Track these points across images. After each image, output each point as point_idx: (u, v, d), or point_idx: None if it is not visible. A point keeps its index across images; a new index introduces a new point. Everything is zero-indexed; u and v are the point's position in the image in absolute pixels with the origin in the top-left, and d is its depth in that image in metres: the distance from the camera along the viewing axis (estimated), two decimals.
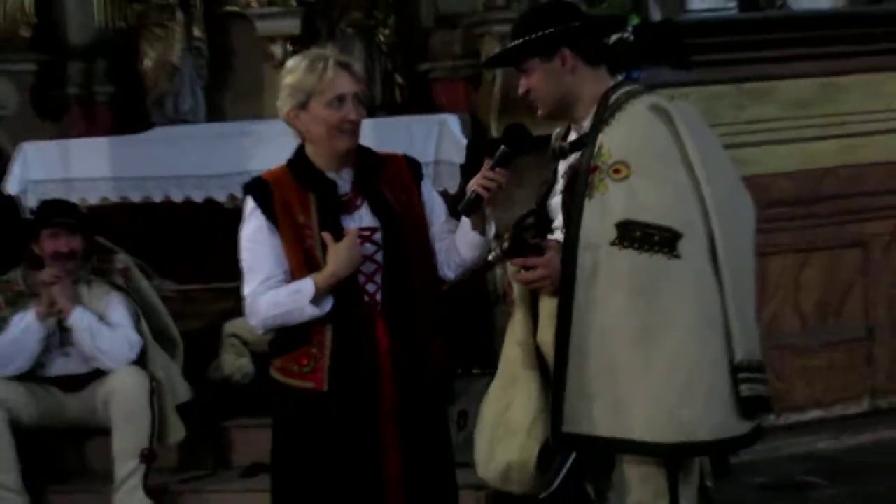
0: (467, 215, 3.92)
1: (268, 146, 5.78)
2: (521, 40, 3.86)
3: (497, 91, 6.44)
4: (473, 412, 4.09)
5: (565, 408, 3.68)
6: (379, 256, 3.95)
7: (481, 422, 3.96)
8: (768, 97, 6.72)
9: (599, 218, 3.65)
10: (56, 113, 7.47)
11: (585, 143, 3.77)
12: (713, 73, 6.60)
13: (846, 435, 6.76)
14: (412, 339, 3.96)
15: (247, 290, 3.95)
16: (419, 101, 7.21)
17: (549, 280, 3.73)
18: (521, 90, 3.91)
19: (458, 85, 7.10)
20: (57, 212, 6.13)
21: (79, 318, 5.88)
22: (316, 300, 3.84)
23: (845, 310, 6.95)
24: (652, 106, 3.75)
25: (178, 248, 6.79)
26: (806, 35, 6.71)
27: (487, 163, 3.88)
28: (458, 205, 3.93)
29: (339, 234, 3.87)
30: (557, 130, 3.99)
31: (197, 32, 7.43)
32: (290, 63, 4.05)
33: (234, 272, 4.04)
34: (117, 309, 6.04)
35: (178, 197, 6.74)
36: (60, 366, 6.00)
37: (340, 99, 3.91)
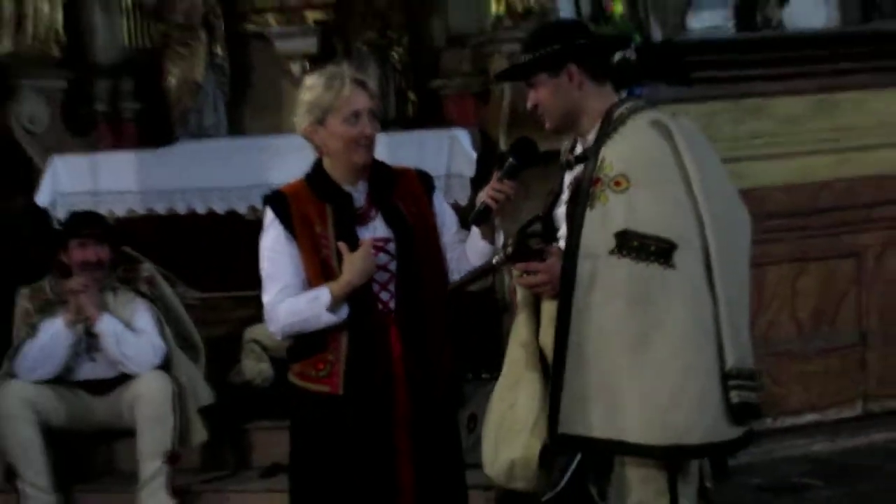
0: (477, 225, 3.93)
1: (286, 160, 5.78)
2: (531, 55, 3.86)
3: (505, 106, 6.43)
4: (483, 415, 4.08)
5: (562, 409, 3.68)
6: (392, 266, 3.96)
7: (487, 421, 3.95)
8: (765, 113, 6.73)
9: (600, 228, 3.65)
10: (85, 128, 7.49)
11: (589, 156, 3.77)
12: (712, 89, 6.60)
13: (841, 438, 6.76)
14: (424, 345, 3.97)
15: (266, 297, 3.96)
16: (431, 116, 7.21)
17: (549, 284, 3.73)
18: (529, 104, 3.91)
19: (468, 101, 7.10)
20: (85, 223, 6.14)
21: (105, 325, 5.88)
22: (332, 308, 3.85)
23: (839, 317, 6.95)
24: (652, 121, 3.75)
25: (201, 258, 6.79)
26: (800, 54, 6.72)
27: (496, 175, 3.89)
28: (467, 217, 3.94)
29: (354, 245, 3.88)
30: (566, 143, 3.98)
31: (219, 51, 7.44)
32: (307, 81, 4.05)
33: (254, 281, 4.04)
34: (142, 316, 6.04)
35: (201, 209, 6.74)
36: (88, 370, 6.00)
37: (356, 115, 3.91)
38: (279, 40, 7.44)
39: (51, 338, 5.90)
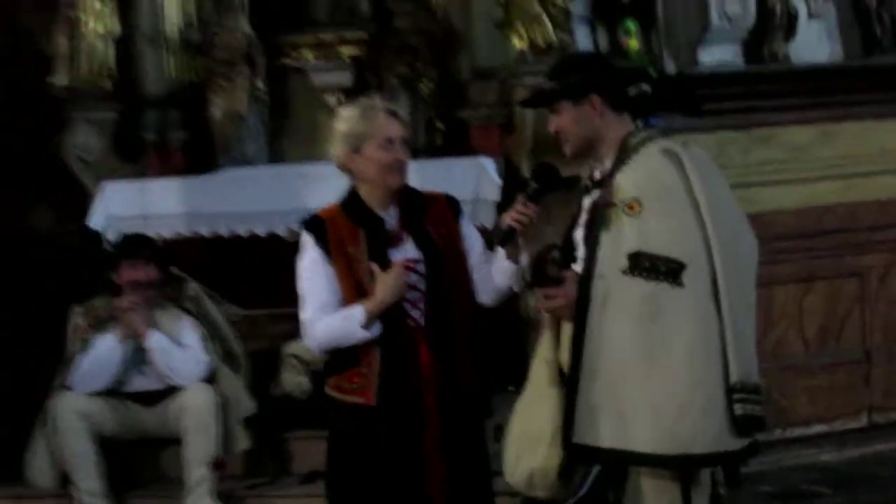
0: (502, 246, 3.94)
1: (322, 186, 5.78)
2: (556, 84, 3.87)
3: (528, 135, 6.44)
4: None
5: (576, 420, 3.69)
6: (422, 285, 3.96)
7: (509, 432, 3.97)
8: (773, 142, 6.73)
9: (614, 249, 3.66)
10: (134, 156, 7.51)
11: (605, 181, 3.78)
12: (723, 120, 6.61)
13: (847, 448, 6.74)
14: (451, 359, 3.97)
15: (304, 315, 3.97)
16: (458, 144, 7.21)
17: (567, 308, 3.75)
18: (551, 128, 3.92)
19: (493, 130, 7.10)
20: (135, 245, 6.18)
21: (154, 341, 5.92)
22: (366, 324, 3.86)
23: (844, 335, 6.93)
24: (664, 150, 3.77)
25: (243, 277, 6.81)
26: (806, 86, 6.74)
27: (520, 199, 3.90)
28: (493, 238, 3.95)
29: (386, 266, 3.90)
30: (587, 170, 3.99)
31: (260, 84, 7.46)
32: (342, 113, 4.08)
33: (292, 298, 4.06)
34: (188, 332, 6.07)
35: (242, 231, 6.76)
36: (138, 383, 6.03)
37: (390, 141, 3.94)
38: (316, 74, 7.46)
39: (103, 352, 5.93)
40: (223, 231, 6.78)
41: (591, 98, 3.82)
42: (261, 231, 6.71)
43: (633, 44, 6.74)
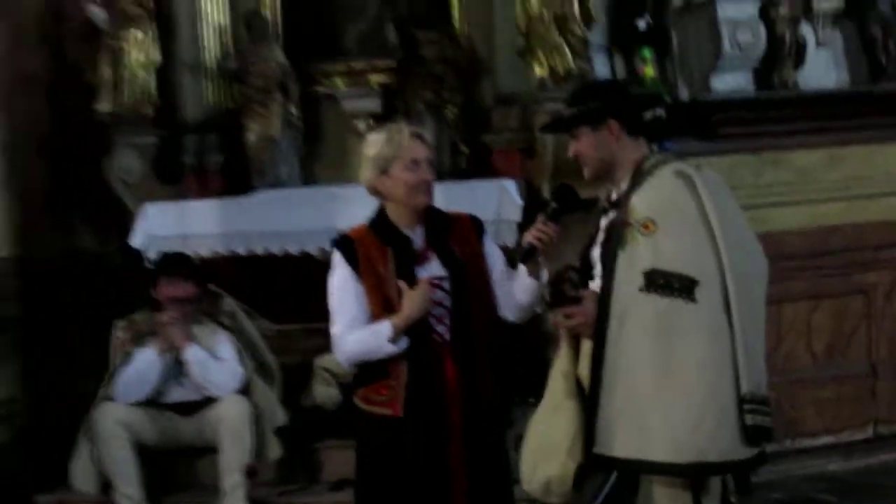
0: (524, 263, 3.94)
1: (352, 207, 5.75)
2: (575, 110, 3.87)
3: (549, 159, 6.44)
4: None
5: (597, 432, 3.69)
6: (447, 302, 3.97)
7: (527, 442, 3.97)
8: (782, 165, 6.72)
9: (630, 267, 3.66)
10: (174, 179, 7.53)
11: (622, 202, 3.78)
12: (734, 144, 6.61)
13: (853, 458, 6.72)
14: (475, 373, 3.97)
15: (334, 329, 3.98)
16: (481, 167, 7.20)
17: (586, 325, 3.76)
18: (571, 153, 3.93)
19: (515, 154, 7.09)
20: (174, 263, 6.19)
21: (192, 354, 5.92)
22: (393, 339, 3.87)
23: (851, 349, 6.92)
24: (677, 172, 3.77)
25: (277, 294, 6.81)
26: (814, 112, 6.73)
27: (540, 218, 3.90)
28: (514, 256, 3.96)
29: (413, 283, 3.91)
30: (604, 192, 3.99)
31: (293, 110, 7.47)
32: (370, 138, 4.10)
33: (324, 314, 4.06)
34: (224, 345, 6.08)
35: (276, 250, 6.76)
36: (176, 394, 6.03)
37: (416, 162, 3.95)
38: (347, 101, 7.47)
39: (144, 365, 5.94)
40: (258, 250, 6.78)
41: (608, 123, 3.83)
42: (294, 250, 6.71)
43: (649, 71, 6.75)
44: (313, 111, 7.63)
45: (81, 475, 5.94)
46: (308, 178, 7.58)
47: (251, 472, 5.80)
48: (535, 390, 4.20)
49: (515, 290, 4.03)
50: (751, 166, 6.65)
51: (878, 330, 6.94)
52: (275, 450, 6.04)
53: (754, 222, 3.89)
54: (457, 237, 4.06)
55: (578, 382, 3.88)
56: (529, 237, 3.89)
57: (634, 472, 3.69)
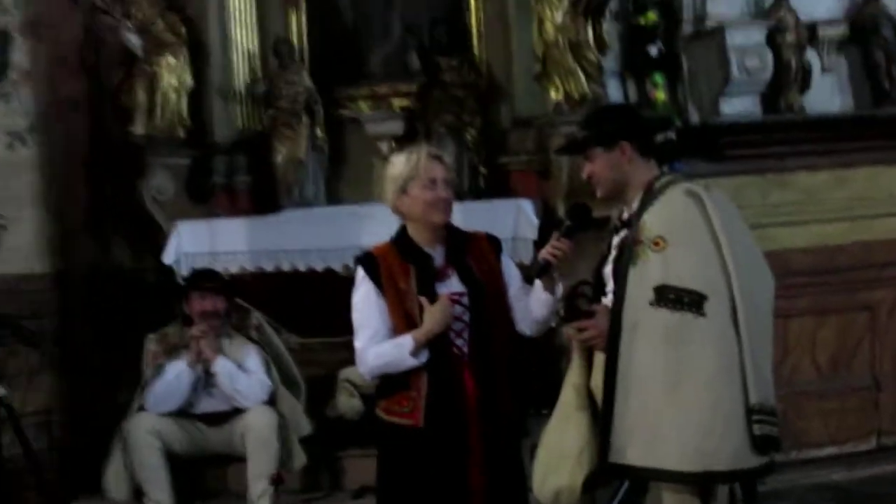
0: (539, 278, 3.93)
1: (375, 225, 5.78)
2: (589, 132, 3.87)
3: (563, 180, 6.44)
4: None
5: (611, 441, 3.68)
6: (466, 317, 3.95)
7: (538, 452, 3.97)
8: (788, 185, 6.70)
9: (641, 282, 3.66)
10: (205, 198, 7.55)
11: (633, 220, 3.77)
12: (742, 165, 6.60)
13: (857, 468, 6.67)
14: (493, 385, 3.95)
15: (358, 343, 3.97)
16: (499, 188, 7.20)
17: (599, 338, 3.75)
18: (584, 174, 3.93)
19: (531, 175, 7.09)
20: (204, 278, 6.20)
21: (221, 366, 5.93)
22: (414, 352, 3.86)
23: (855, 363, 6.89)
24: (687, 191, 3.77)
25: (303, 309, 6.81)
26: (819, 135, 6.71)
27: (555, 235, 3.90)
28: (530, 272, 3.95)
29: (433, 299, 3.90)
30: (616, 211, 3.98)
31: (319, 133, 7.49)
32: (391, 160, 4.11)
33: (347, 328, 4.05)
34: (252, 358, 6.08)
35: (302, 267, 6.77)
36: (206, 404, 6.03)
37: (433, 181, 3.94)
38: (370, 124, 7.48)
39: (175, 377, 5.95)
40: (284, 266, 6.80)
41: (621, 145, 3.83)
42: (318, 266, 6.72)
43: (661, 95, 6.75)
44: (338, 134, 7.65)
45: (114, 482, 5.93)
46: (333, 197, 7.59)
47: (277, 480, 5.78)
48: (549, 402, 4.19)
49: (532, 305, 4.02)
50: (758, 187, 6.64)
51: (882, 345, 6.92)
52: (300, 458, 6.03)
53: (762, 241, 3.88)
54: (475, 255, 4.05)
55: (590, 394, 3.88)
56: (545, 253, 3.89)
57: (647, 480, 3.67)
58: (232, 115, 7.66)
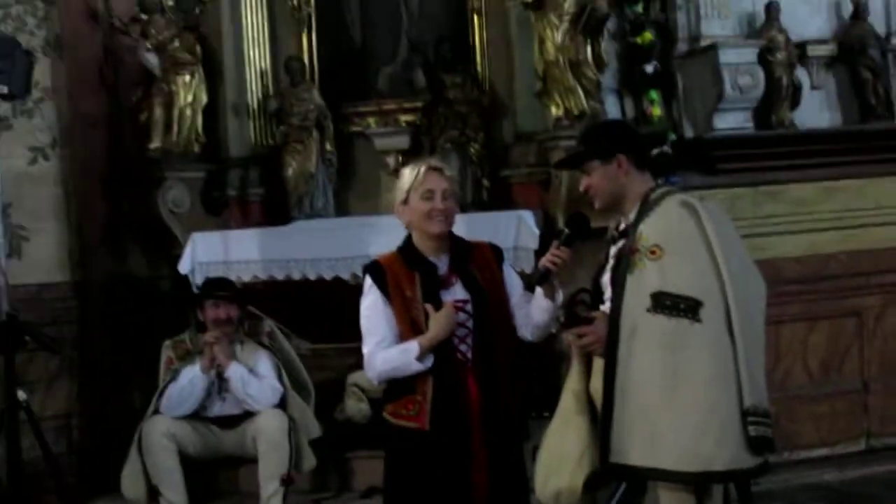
0: (539, 285, 3.92)
1: (382, 235, 5.78)
2: (587, 146, 3.87)
3: (563, 192, 6.42)
4: None
5: (611, 443, 3.67)
6: (470, 323, 3.94)
7: (539, 455, 3.98)
8: (780, 197, 6.69)
9: (638, 289, 3.66)
10: (219, 209, 7.55)
11: (630, 231, 3.76)
12: (735, 178, 6.59)
13: (847, 469, 6.64)
14: (495, 389, 3.93)
15: (365, 349, 3.95)
16: (501, 199, 7.19)
17: (597, 344, 3.74)
18: (582, 187, 3.93)
19: (533, 187, 7.08)
20: (218, 287, 6.19)
21: (234, 371, 5.90)
22: (420, 358, 3.84)
23: (845, 367, 6.88)
24: (682, 202, 3.77)
25: (312, 316, 6.80)
26: (809, 148, 6.70)
27: (555, 244, 3.89)
28: (531, 279, 3.93)
29: (438, 306, 3.88)
30: (613, 223, 3.97)
31: (328, 147, 7.48)
32: (401, 172, 4.09)
33: (355, 334, 4.03)
34: (264, 363, 6.06)
35: (312, 275, 6.75)
36: (219, 408, 6.01)
37: (430, 192, 3.93)
38: (377, 138, 7.48)
39: (189, 381, 5.92)
40: (295, 275, 6.78)
41: (617, 158, 3.83)
42: (328, 275, 6.70)
43: (657, 111, 6.75)
44: (347, 148, 7.65)
45: (130, 484, 5.89)
46: (341, 209, 7.58)
47: (288, 481, 5.76)
48: (550, 405, 4.18)
49: (533, 312, 4.00)
50: (751, 199, 6.62)
51: (870, 349, 6.90)
52: (310, 460, 6.00)
53: (754, 250, 3.88)
54: (478, 263, 4.04)
55: (589, 399, 3.87)
56: (545, 261, 3.88)
57: (646, 480, 3.65)
58: (245, 130, 7.66)
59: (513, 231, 6.36)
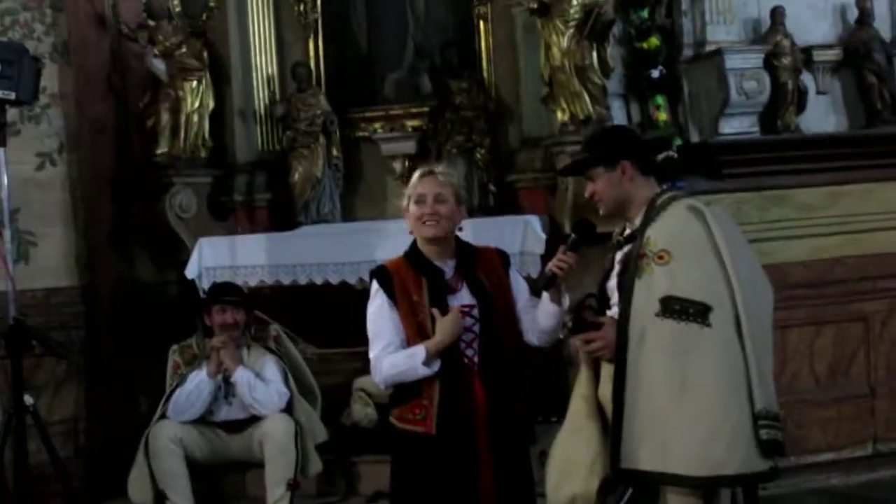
0: (546, 290, 3.92)
1: (388, 240, 5.77)
2: (591, 153, 3.86)
3: (569, 197, 6.41)
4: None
5: (622, 448, 3.65)
6: (476, 328, 3.95)
7: (551, 461, 3.95)
8: (786, 202, 6.67)
9: (647, 294, 3.65)
10: (225, 215, 7.55)
11: (636, 237, 3.75)
12: (741, 183, 6.57)
13: (854, 474, 6.62)
14: (502, 393, 3.93)
15: (372, 353, 3.96)
16: (508, 205, 7.17)
17: (606, 349, 3.73)
18: (587, 193, 3.93)
19: (539, 192, 7.06)
20: (224, 291, 6.17)
21: (240, 376, 5.89)
22: (427, 362, 3.85)
23: (851, 371, 6.86)
24: (689, 207, 3.77)
25: (319, 321, 6.79)
26: (815, 153, 6.68)
27: (561, 249, 3.88)
28: (537, 284, 3.91)
29: (445, 310, 3.89)
30: (617, 228, 3.96)
31: (335, 152, 7.46)
32: None
33: (362, 339, 4.04)
34: (270, 368, 6.04)
35: (318, 280, 6.74)
36: (225, 412, 6.00)
37: (422, 197, 3.96)
38: (384, 143, 7.46)
39: (196, 386, 5.91)
40: (302, 280, 6.77)
41: (622, 164, 3.82)
42: (334, 280, 6.69)
43: (662, 116, 6.74)
44: (353, 153, 7.64)
45: (137, 488, 5.87)
46: (348, 214, 7.57)
47: (294, 486, 5.75)
48: (556, 409, 4.16)
49: (539, 317, 4.00)
50: (756, 203, 6.61)
51: (877, 353, 6.88)
52: (316, 464, 5.98)
53: (760, 255, 3.86)
54: (485, 268, 4.04)
55: (599, 404, 3.84)
56: (551, 266, 3.89)
57: (657, 485, 3.63)
58: (252, 136, 7.66)
59: (519, 236, 6.34)
